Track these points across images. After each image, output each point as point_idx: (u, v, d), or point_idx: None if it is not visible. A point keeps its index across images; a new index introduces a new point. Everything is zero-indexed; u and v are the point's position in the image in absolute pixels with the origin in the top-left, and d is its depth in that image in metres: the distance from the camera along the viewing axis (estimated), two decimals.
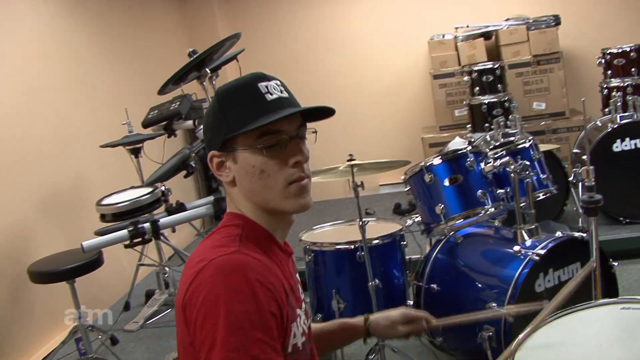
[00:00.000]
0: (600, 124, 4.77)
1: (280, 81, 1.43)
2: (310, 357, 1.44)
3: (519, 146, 3.06)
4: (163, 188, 3.69)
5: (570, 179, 2.53)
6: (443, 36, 5.97)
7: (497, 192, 2.87)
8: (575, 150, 4.85)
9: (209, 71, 2.99)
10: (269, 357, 1.19)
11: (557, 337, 1.67)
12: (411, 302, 3.08)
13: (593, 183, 1.88)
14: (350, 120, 6.75)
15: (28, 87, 4.11)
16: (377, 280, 2.89)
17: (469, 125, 5.43)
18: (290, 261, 1.52)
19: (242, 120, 1.35)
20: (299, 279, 1.58)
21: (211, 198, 3.07)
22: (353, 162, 2.74)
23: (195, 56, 2.87)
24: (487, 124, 5.03)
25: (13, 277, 3.69)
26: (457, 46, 5.88)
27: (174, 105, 3.78)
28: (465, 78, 5.42)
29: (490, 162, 2.85)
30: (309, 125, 1.47)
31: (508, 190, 2.87)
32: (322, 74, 6.85)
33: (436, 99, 5.98)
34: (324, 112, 1.46)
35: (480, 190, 2.80)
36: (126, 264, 4.44)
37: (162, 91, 2.92)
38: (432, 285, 2.99)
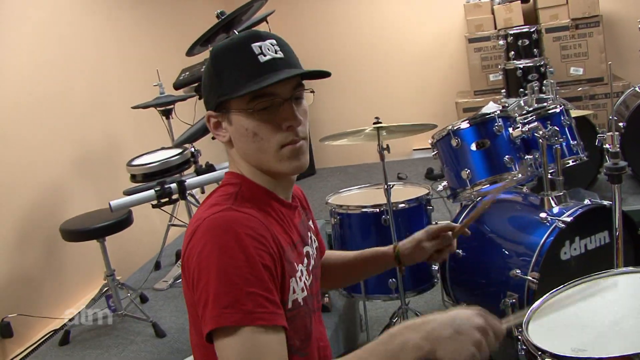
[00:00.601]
0: (639, 90, 4.65)
1: (276, 39, 1.39)
2: (312, 311, 1.45)
3: (549, 111, 3.00)
4: (193, 149, 3.71)
5: (596, 143, 2.46)
6: None
7: (525, 157, 2.83)
8: (611, 117, 4.73)
9: (237, 33, 2.98)
10: (264, 310, 1.19)
11: (571, 304, 1.66)
12: (436, 267, 3.08)
13: (618, 150, 1.84)
14: (384, 83, 6.72)
15: (62, 47, 4.17)
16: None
17: (503, 91, 5.34)
18: (297, 215, 1.52)
19: (235, 83, 1.34)
20: (311, 230, 1.62)
21: None
22: (379, 125, 2.72)
23: (223, 17, 2.86)
24: (521, 89, 4.93)
25: (47, 235, 3.78)
26: (494, 9, 5.75)
27: (205, 66, 3.79)
28: (501, 42, 5.31)
29: (518, 127, 2.80)
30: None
31: (537, 156, 2.83)
32: (356, 37, 6.79)
33: (471, 63, 5.89)
34: (323, 72, 1.41)
35: (507, 156, 2.75)
36: (158, 224, 4.51)
37: (190, 52, 2.92)
38: (457, 250, 2.98)
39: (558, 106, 3.04)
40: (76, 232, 3.37)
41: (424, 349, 1.13)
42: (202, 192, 3.79)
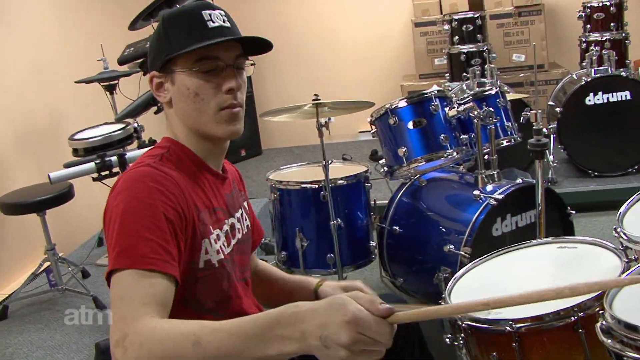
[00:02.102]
0: (576, 77, 4.81)
1: (225, 12, 1.47)
2: (234, 278, 1.50)
3: (485, 93, 3.09)
4: (136, 125, 3.70)
5: (521, 120, 2.55)
6: None
7: (461, 137, 2.92)
8: (549, 103, 4.89)
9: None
10: (157, 257, 1.23)
11: (491, 272, 1.75)
12: (373, 243, 3.15)
13: (540, 126, 1.93)
14: (330, 65, 6.74)
15: (3, 21, 4.09)
16: (339, 220, 2.95)
17: (447, 75, 5.45)
18: (226, 186, 1.58)
19: (183, 43, 1.40)
20: (244, 209, 1.67)
21: None
22: (318, 101, 2.77)
23: None
24: (464, 74, 5.04)
25: None
26: None
27: (154, 31, 3.77)
28: (446, 27, 5.41)
29: (454, 107, 2.88)
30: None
31: (472, 136, 2.92)
32: (303, 17, 6.79)
33: (417, 47, 5.97)
34: (264, 46, 1.51)
35: (443, 135, 2.83)
36: (101, 200, 4.45)
37: (132, 26, 2.91)
38: (395, 227, 3.06)
39: (494, 88, 3.13)
40: (15, 206, 3.34)
41: (293, 348, 1.06)
42: None
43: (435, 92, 2.90)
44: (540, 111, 1.92)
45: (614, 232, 1.58)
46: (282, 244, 3.18)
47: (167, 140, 1.51)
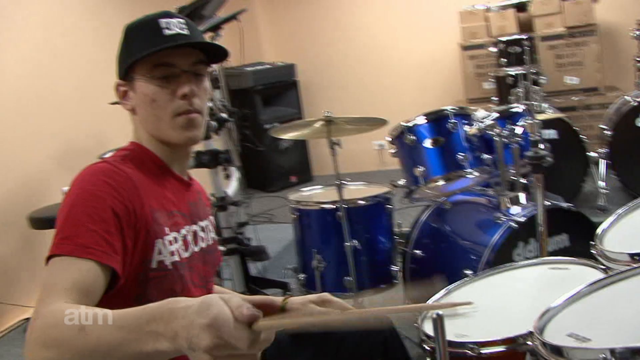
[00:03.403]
0: (629, 100, 4.57)
1: (186, 20, 1.50)
2: (183, 281, 1.46)
3: (511, 111, 2.95)
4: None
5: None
6: (474, 6, 5.80)
7: (484, 157, 2.79)
8: (600, 126, 4.66)
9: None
10: (98, 247, 1.22)
11: (474, 293, 1.64)
12: (396, 268, 3.04)
13: (538, 137, 1.81)
14: (378, 92, 6.67)
15: (48, 43, 4.29)
16: (355, 242, 2.86)
17: (495, 98, 5.28)
18: (190, 194, 1.60)
19: (139, 51, 1.43)
20: (209, 221, 1.67)
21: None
22: (329, 118, 2.70)
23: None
24: (510, 97, 4.87)
25: (25, 225, 3.82)
26: (488, 17, 5.71)
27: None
28: (493, 49, 5.26)
29: (474, 126, 2.76)
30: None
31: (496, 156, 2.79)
32: (352, 44, 6.77)
33: (465, 71, 5.84)
34: (222, 53, 1.52)
35: (461, 154, 2.71)
36: None
37: None
38: (416, 251, 2.95)
39: (521, 107, 2.99)
40: (42, 220, 3.41)
41: (166, 346, 0.98)
42: None
43: (455, 109, 2.79)
44: (538, 121, 1.78)
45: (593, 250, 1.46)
46: (302, 266, 3.12)
47: (132, 144, 1.54)
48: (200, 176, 3.61)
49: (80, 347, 1.03)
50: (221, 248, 3.21)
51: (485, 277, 1.73)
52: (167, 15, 1.46)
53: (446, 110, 2.78)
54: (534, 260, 1.77)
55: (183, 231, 1.49)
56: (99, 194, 1.29)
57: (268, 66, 6.66)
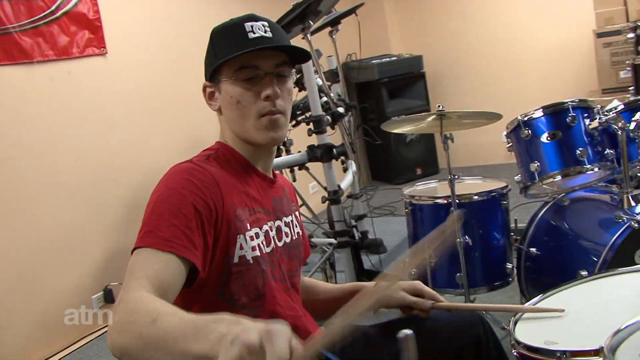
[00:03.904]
0: None
1: (269, 22, 1.53)
2: (264, 276, 1.50)
3: (638, 102, 2.76)
4: (285, 138, 3.80)
5: None
6: None
7: (606, 152, 2.64)
8: None
9: (311, 23, 3.02)
10: (179, 242, 1.28)
11: (570, 299, 1.56)
12: (510, 266, 2.95)
13: None
14: (510, 83, 6.49)
15: (175, 43, 4.56)
16: (467, 238, 2.80)
17: (631, 88, 4.96)
18: (275, 191, 1.65)
19: (225, 53, 1.48)
20: (294, 217, 1.72)
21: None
22: (442, 112, 2.65)
23: (290, 9, 2.88)
24: None
25: None
26: (626, 0, 5.35)
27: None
28: (630, 35, 4.94)
29: (596, 119, 2.62)
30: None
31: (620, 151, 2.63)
32: (482, 34, 6.61)
33: (599, 60, 5.52)
34: (306, 54, 1.57)
35: (580, 149, 2.59)
36: None
37: None
38: (532, 249, 2.85)
39: None
40: None
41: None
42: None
43: (575, 102, 2.66)
44: None
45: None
46: None
47: (217, 143, 1.62)
48: (317, 170, 3.71)
49: (150, 337, 1.08)
50: (331, 241, 3.28)
51: (588, 281, 1.64)
52: (252, 18, 1.51)
53: (566, 103, 2.65)
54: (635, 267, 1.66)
55: (265, 227, 1.54)
56: (182, 191, 1.35)
57: (394, 58, 6.63)
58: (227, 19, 1.57)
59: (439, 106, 2.66)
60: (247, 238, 1.45)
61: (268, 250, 1.53)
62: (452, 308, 1.75)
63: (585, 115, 2.66)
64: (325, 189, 3.10)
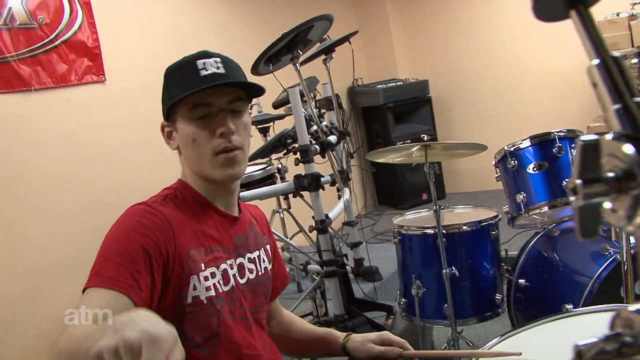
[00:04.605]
0: None
1: (222, 58, 1.52)
2: (219, 316, 1.48)
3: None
4: (280, 165, 3.80)
5: None
6: (618, 14, 5.41)
7: None
8: None
9: (300, 52, 3.01)
10: (124, 281, 1.28)
11: (531, 339, 1.52)
12: (499, 297, 2.91)
13: None
14: (516, 106, 6.46)
15: None
16: (454, 269, 2.77)
17: None
18: (237, 227, 1.62)
19: (177, 93, 1.47)
20: (263, 250, 1.70)
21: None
22: (426, 143, 2.64)
23: (278, 38, 2.87)
24: None
25: None
26: (630, 25, 5.31)
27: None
28: (635, 60, 4.89)
29: None
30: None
31: None
32: (489, 60, 6.60)
33: None
34: (259, 88, 1.55)
35: (567, 179, 2.55)
36: None
37: (255, 70, 2.99)
38: (520, 280, 2.81)
39: None
40: None
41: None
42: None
43: (562, 132, 2.64)
44: None
45: None
46: (403, 291, 3.06)
47: (178, 181, 1.59)
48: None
49: (67, 349, 1.10)
50: (318, 269, 3.26)
51: (550, 321, 1.60)
52: (204, 55, 1.50)
53: (552, 133, 2.63)
54: (606, 306, 1.62)
55: (224, 265, 1.52)
56: (132, 233, 1.35)
57: (399, 83, 6.63)
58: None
59: (422, 137, 2.65)
60: (201, 278, 1.44)
61: (226, 289, 1.51)
62: (419, 356, 1.74)
63: (573, 145, 2.63)
64: (313, 218, 3.08)
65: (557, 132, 2.63)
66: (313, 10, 3.33)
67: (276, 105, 4.09)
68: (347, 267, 3.53)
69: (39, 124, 3.65)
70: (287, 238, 4.29)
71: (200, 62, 1.48)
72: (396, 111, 6.59)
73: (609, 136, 0.50)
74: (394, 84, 6.62)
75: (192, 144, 1.49)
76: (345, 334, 1.77)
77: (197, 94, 1.45)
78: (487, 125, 6.56)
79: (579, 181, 0.51)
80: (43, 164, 3.64)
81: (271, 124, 4.25)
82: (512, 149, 2.67)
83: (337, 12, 6.67)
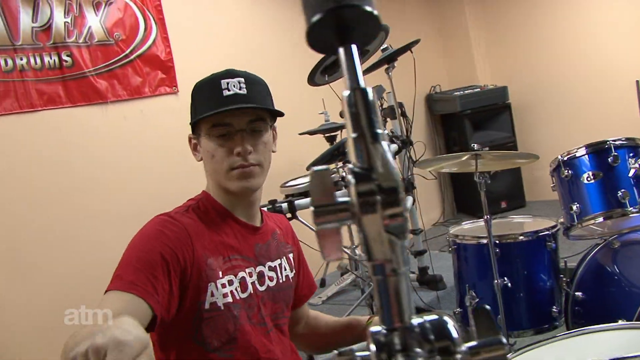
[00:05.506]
0: None
1: (246, 78, 1.58)
2: (236, 321, 1.54)
3: None
4: (344, 173, 3.84)
5: None
6: None
7: None
8: None
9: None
10: (142, 286, 1.35)
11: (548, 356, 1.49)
12: (557, 309, 2.84)
13: None
14: (598, 112, 6.23)
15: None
16: (506, 279, 2.73)
17: None
18: (258, 237, 1.69)
19: (201, 110, 1.56)
20: (286, 259, 1.75)
21: None
22: (476, 152, 2.61)
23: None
24: None
25: None
26: None
27: None
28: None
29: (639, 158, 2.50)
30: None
31: None
32: (565, 66, 6.40)
33: None
34: (272, 111, 1.64)
35: (622, 190, 2.47)
36: None
37: (311, 81, 3.05)
38: (578, 293, 2.73)
39: None
40: None
41: None
42: None
43: (620, 141, 2.55)
44: None
45: None
46: (458, 300, 3.04)
47: (202, 193, 1.69)
48: None
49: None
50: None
51: (565, 338, 1.57)
52: (229, 75, 1.57)
53: (607, 142, 2.55)
54: (625, 324, 1.57)
55: (242, 274, 1.59)
56: (152, 241, 1.44)
57: (477, 90, 6.53)
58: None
59: (473, 146, 2.62)
60: (219, 285, 1.51)
61: (244, 295, 1.57)
62: None
63: (632, 154, 2.54)
64: None
65: (612, 140, 2.55)
66: (389, 20, 3.33)
67: (343, 114, 4.13)
68: (411, 276, 3.53)
69: (114, 133, 3.85)
70: (353, 246, 4.33)
71: (224, 82, 1.55)
72: (474, 118, 6.49)
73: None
74: (471, 90, 6.53)
75: (211, 159, 1.58)
76: (367, 317, 1.81)
77: (218, 114, 1.53)
78: (569, 132, 6.36)
79: (312, 208, 0.55)
80: (119, 171, 3.84)
81: (338, 132, 4.29)
82: (566, 158, 2.61)
83: (415, 19, 6.72)
